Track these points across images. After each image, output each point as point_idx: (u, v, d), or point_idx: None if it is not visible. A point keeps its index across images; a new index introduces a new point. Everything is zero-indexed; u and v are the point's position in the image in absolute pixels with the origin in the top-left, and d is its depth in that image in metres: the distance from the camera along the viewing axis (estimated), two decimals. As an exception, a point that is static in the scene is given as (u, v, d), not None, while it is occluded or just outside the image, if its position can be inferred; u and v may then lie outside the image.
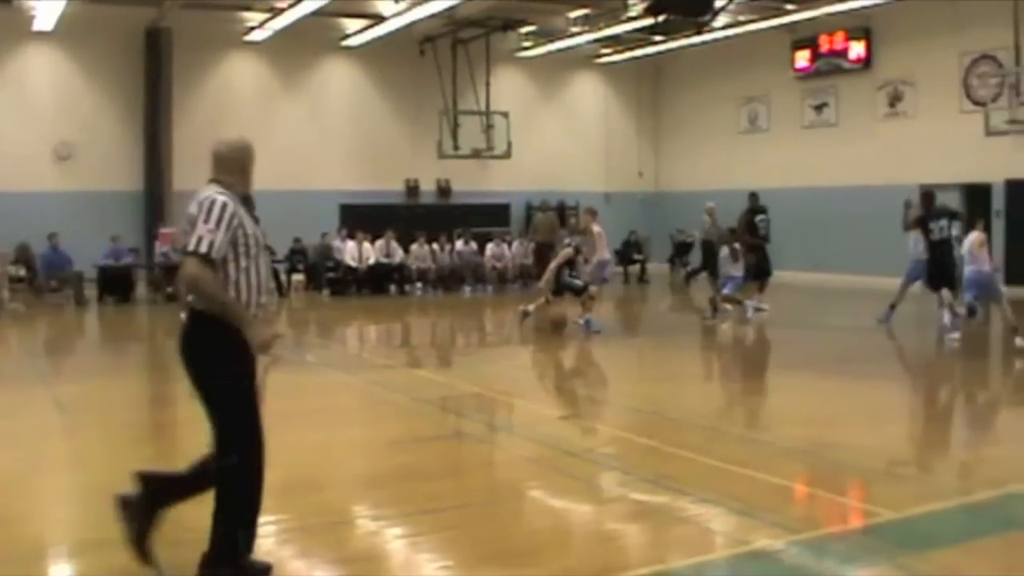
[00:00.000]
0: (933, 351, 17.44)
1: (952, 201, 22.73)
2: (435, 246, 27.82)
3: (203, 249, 5.52)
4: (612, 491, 8.16)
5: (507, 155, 29.00)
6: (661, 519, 7.28)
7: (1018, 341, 15.54)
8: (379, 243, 26.66)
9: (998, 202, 24.19)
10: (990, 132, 23.30)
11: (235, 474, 5.71)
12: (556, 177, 32.47)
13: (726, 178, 31.90)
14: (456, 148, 28.55)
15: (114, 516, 5.95)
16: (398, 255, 26.91)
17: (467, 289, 27.04)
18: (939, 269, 17.16)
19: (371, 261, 26.42)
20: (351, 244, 26.45)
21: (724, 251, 19.94)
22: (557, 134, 32.97)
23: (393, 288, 26.64)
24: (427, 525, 7.17)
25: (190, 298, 5.67)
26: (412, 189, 30.84)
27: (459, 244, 28.31)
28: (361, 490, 8.34)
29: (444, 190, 31.19)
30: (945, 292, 17.09)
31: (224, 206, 5.63)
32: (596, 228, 19.20)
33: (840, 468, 8.59)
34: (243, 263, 5.74)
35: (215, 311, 5.59)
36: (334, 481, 8.56)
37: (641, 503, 7.67)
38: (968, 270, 16.33)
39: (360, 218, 27.77)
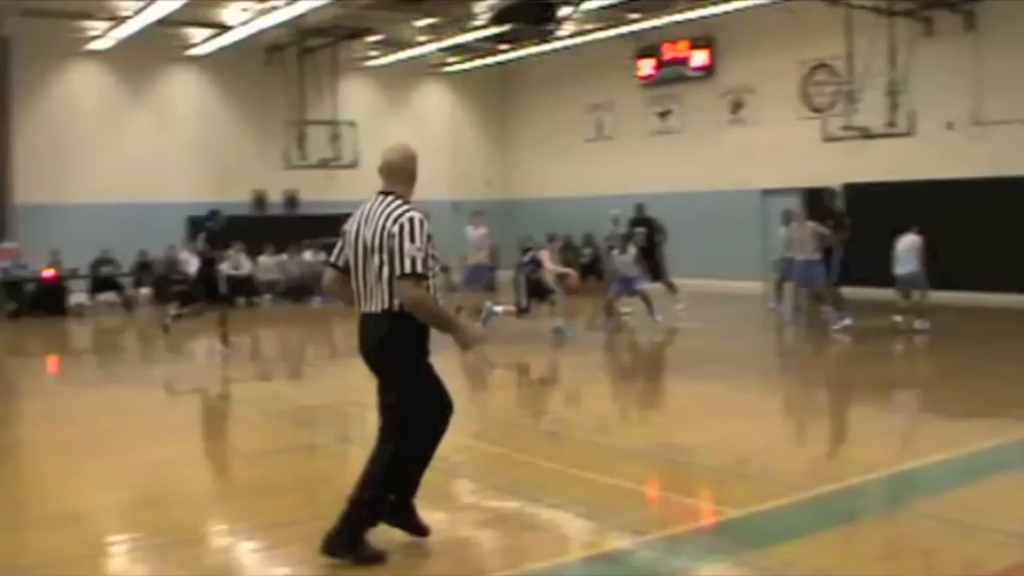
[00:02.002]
0: (784, 350, 17.90)
1: (792, 204, 23.32)
2: (284, 257, 27.58)
3: (419, 269, 6.08)
4: (464, 499, 8.21)
5: (355, 165, 28.79)
6: (513, 525, 7.35)
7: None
8: (227, 254, 26.28)
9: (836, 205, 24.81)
10: (827, 138, 23.93)
11: (398, 459, 6.42)
12: (404, 186, 32.38)
13: (574, 185, 32.31)
14: (303, 158, 28.29)
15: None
16: (246, 267, 26.60)
17: (317, 300, 26.86)
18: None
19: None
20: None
21: (624, 256, 19.75)
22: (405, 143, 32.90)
23: (242, 300, 26.32)
24: (280, 539, 7.14)
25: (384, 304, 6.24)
26: (260, 200, 30.49)
27: (308, 255, 28.10)
28: (212, 506, 8.25)
29: (292, 200, 30.91)
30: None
31: (422, 223, 6.18)
32: (476, 231, 19.36)
33: (687, 469, 8.76)
34: (430, 274, 6.24)
35: (432, 323, 6.27)
36: (184, 497, 8.44)
37: (493, 510, 7.73)
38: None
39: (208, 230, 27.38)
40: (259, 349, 20.13)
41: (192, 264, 25.05)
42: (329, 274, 6.88)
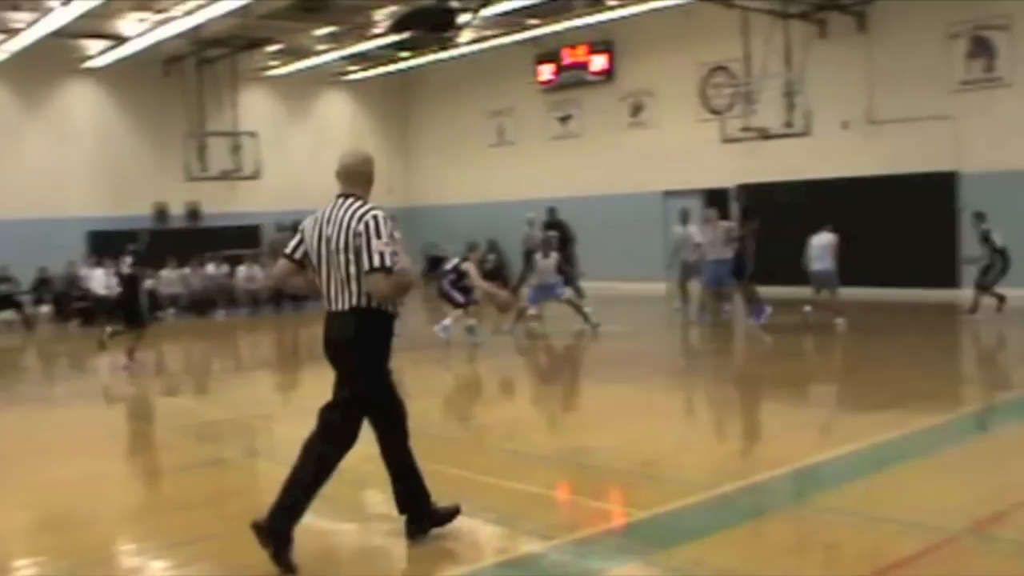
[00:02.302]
0: (692, 350, 18.10)
1: (693, 206, 23.66)
2: (186, 270, 27.33)
3: (387, 263, 6.36)
4: (374, 509, 8.19)
5: (256, 175, 28.64)
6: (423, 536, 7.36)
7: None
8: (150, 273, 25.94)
9: (736, 205, 25.09)
10: (726, 139, 24.25)
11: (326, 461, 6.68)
12: (307, 196, 32.07)
13: (476, 191, 32.39)
14: (204, 170, 28.05)
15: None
16: (148, 281, 26.28)
17: (220, 313, 26.64)
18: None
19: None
20: (99, 272, 25.60)
21: (547, 262, 19.71)
22: (307, 153, 32.71)
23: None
24: (189, 556, 7.09)
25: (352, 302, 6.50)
26: (161, 213, 30.15)
27: (210, 267, 27.87)
28: (119, 525, 8.15)
29: (194, 213, 30.60)
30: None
31: (386, 220, 6.49)
32: None
33: (595, 472, 8.83)
34: (396, 268, 6.48)
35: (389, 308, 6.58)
36: (90, 518, 8.32)
37: (399, 519, 7.72)
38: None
39: (108, 244, 26.97)
40: (163, 364, 19.90)
41: (95, 280, 24.82)
42: (283, 265, 7.00)
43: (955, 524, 6.90)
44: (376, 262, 6.35)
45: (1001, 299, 18.83)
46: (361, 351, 6.63)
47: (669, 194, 27.14)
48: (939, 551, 6.57)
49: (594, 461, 8.99)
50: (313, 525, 7.78)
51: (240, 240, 29.79)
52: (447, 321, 18.08)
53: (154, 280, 25.85)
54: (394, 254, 6.42)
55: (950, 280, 22.39)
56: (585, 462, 9.11)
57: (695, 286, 20.89)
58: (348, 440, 6.69)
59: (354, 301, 6.51)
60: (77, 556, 7.17)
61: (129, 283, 17.80)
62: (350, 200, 6.59)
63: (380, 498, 8.41)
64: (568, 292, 19.94)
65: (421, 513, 7.00)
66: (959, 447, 9.69)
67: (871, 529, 7.01)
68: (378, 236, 6.38)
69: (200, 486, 9.15)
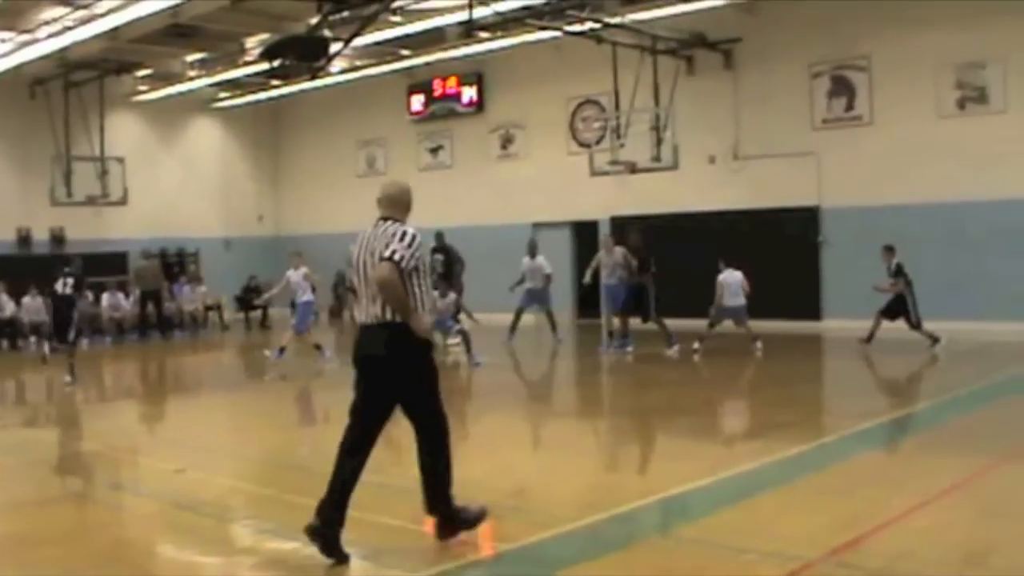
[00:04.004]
0: (563, 381, 18.25)
1: (562, 237, 23.99)
2: (49, 297, 26.76)
3: (396, 258, 6.97)
4: (241, 542, 8.13)
5: (123, 202, 28.21)
6: (291, 568, 7.32)
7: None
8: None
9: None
10: (594, 172, 24.56)
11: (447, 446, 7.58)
12: (175, 223, 31.91)
13: (346, 221, 32.08)
14: (70, 195, 27.53)
15: None
16: (9, 308, 25.73)
17: (84, 341, 26.12)
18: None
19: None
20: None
21: (443, 301, 19.59)
22: (175, 179, 32.38)
23: (4, 343, 25.45)
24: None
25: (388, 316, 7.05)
26: (24, 238, 29.50)
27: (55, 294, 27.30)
28: (-28, 562, 7.95)
29: (58, 238, 29.98)
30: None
31: (415, 236, 7.21)
32: (296, 272, 19.81)
33: (461, 504, 8.84)
34: (418, 280, 7.19)
35: (394, 307, 7.00)
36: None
37: (270, 552, 7.69)
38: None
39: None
40: (23, 395, 19.49)
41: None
42: (352, 298, 7.55)
43: (813, 552, 7.07)
44: (387, 254, 6.99)
45: (935, 339, 18.87)
46: (394, 362, 7.13)
47: (539, 225, 27.38)
48: (796, 580, 6.74)
49: (461, 493, 8.98)
50: (178, 561, 7.73)
51: (106, 267, 29.23)
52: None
53: (15, 308, 25.34)
54: (410, 258, 7.05)
55: (814, 312, 22.97)
56: (452, 494, 9.12)
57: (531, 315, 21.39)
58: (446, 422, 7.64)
59: (388, 315, 7.05)
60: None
61: (67, 304, 18.65)
62: (389, 222, 7.36)
63: (246, 531, 8.37)
64: (458, 326, 19.86)
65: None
66: (818, 475, 9.92)
67: (732, 559, 7.14)
68: (400, 241, 7.08)
69: (57, 521, 8.93)
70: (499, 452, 11.31)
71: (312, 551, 7.29)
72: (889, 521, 7.86)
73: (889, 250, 19.44)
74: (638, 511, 8.58)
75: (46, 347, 19.72)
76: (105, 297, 27.45)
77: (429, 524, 7.59)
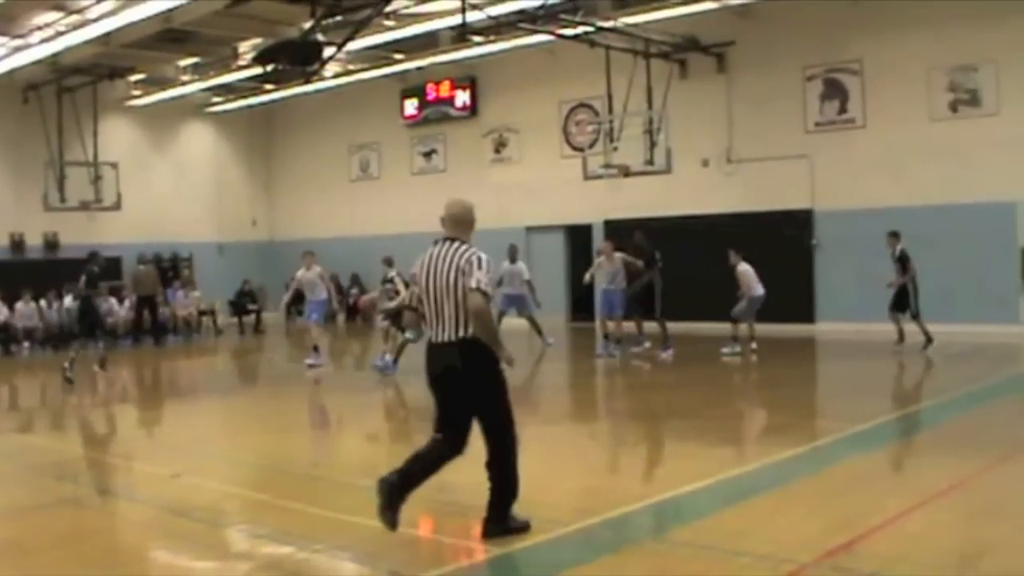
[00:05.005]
0: (556, 385, 18.25)
1: (556, 241, 24.00)
2: (42, 303, 26.75)
3: (483, 287, 7.30)
4: (235, 547, 8.12)
5: (117, 207, 28.16)
6: (286, 572, 7.31)
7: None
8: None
9: (598, 241, 25.33)
10: (588, 176, 24.59)
11: (513, 445, 7.66)
12: (168, 228, 31.89)
13: (340, 226, 32.31)
14: (63, 200, 27.46)
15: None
16: (2, 314, 25.70)
17: (100, 344, 26.09)
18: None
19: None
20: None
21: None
22: (169, 184, 32.35)
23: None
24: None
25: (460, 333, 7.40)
26: (17, 244, 29.47)
27: (68, 300, 27.30)
28: (-35, 568, 7.93)
29: (52, 244, 29.95)
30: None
31: (488, 261, 7.47)
32: (308, 273, 19.75)
33: (454, 509, 8.82)
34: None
35: (486, 336, 7.41)
36: (-67, 562, 8.04)
37: (265, 557, 7.67)
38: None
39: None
40: (17, 400, 19.47)
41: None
42: (408, 316, 8.46)
43: (807, 555, 7.07)
44: (474, 284, 7.29)
45: (929, 340, 18.82)
46: (469, 375, 7.46)
47: (532, 229, 27.41)
48: (790, 582, 6.75)
49: (452, 497, 8.98)
50: (172, 567, 7.73)
51: (100, 273, 29.16)
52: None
53: (8, 314, 25.32)
54: (488, 284, 7.37)
55: (808, 315, 22.99)
56: (443, 498, 9.09)
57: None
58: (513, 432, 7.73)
59: (460, 332, 7.39)
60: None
61: (84, 302, 19.48)
62: (456, 243, 7.55)
63: (240, 535, 8.36)
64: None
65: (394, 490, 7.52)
66: (812, 477, 9.92)
67: (726, 562, 7.15)
68: (479, 268, 7.35)
69: (51, 527, 8.89)
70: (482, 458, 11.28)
71: (306, 555, 7.31)
72: (883, 524, 7.86)
73: (894, 235, 19.28)
74: (632, 515, 8.56)
75: (67, 365, 18.96)
76: (98, 303, 27.39)
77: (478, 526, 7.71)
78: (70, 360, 18.88)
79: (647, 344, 20.28)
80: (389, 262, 18.75)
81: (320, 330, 20.53)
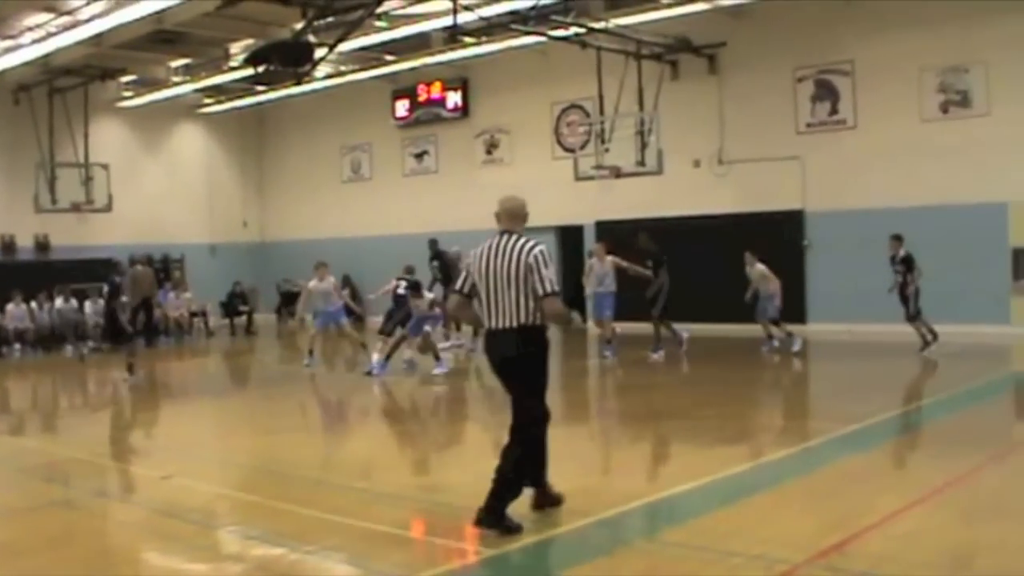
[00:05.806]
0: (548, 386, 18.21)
1: (547, 242, 23.88)
2: (33, 304, 26.69)
3: (555, 288, 7.76)
4: (226, 549, 8.11)
5: (108, 208, 28.08)
6: (277, 574, 7.30)
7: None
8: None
9: (589, 242, 25.29)
10: (579, 177, 24.60)
11: (524, 447, 8.06)
12: (160, 230, 31.86)
13: (331, 227, 32.28)
14: (54, 202, 27.38)
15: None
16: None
17: (70, 348, 26.06)
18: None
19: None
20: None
21: (428, 294, 19.58)
22: (160, 186, 32.31)
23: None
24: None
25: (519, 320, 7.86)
26: (8, 245, 29.40)
27: (59, 301, 27.27)
28: (-47, 572, 7.90)
29: (43, 245, 29.90)
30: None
31: (549, 255, 7.94)
32: (321, 284, 19.71)
33: (445, 510, 8.83)
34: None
35: (560, 323, 8.21)
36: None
37: (256, 559, 7.66)
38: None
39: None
40: (8, 402, 19.42)
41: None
42: (455, 299, 8.49)
43: (799, 555, 7.08)
44: (548, 288, 7.72)
45: (925, 342, 18.87)
46: (526, 359, 7.95)
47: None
48: (782, 583, 6.75)
49: (443, 499, 8.99)
50: (163, 569, 7.71)
51: (91, 273, 29.12)
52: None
53: None
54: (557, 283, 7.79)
55: (799, 316, 22.98)
56: (434, 500, 9.11)
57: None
58: (543, 419, 8.27)
59: (520, 319, 7.82)
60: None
61: (108, 309, 19.77)
62: (514, 237, 8.01)
63: (231, 537, 8.34)
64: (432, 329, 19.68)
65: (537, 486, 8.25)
66: (804, 478, 9.93)
67: (718, 562, 7.15)
68: (546, 267, 7.79)
69: (40, 529, 8.87)
70: (484, 458, 11.26)
71: (298, 556, 7.31)
72: (875, 524, 7.87)
73: (897, 239, 19.12)
74: (624, 515, 8.56)
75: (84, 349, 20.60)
76: (88, 304, 27.35)
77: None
78: (128, 366, 19.12)
79: (685, 341, 20.10)
80: (410, 271, 19.17)
81: (319, 333, 20.51)
